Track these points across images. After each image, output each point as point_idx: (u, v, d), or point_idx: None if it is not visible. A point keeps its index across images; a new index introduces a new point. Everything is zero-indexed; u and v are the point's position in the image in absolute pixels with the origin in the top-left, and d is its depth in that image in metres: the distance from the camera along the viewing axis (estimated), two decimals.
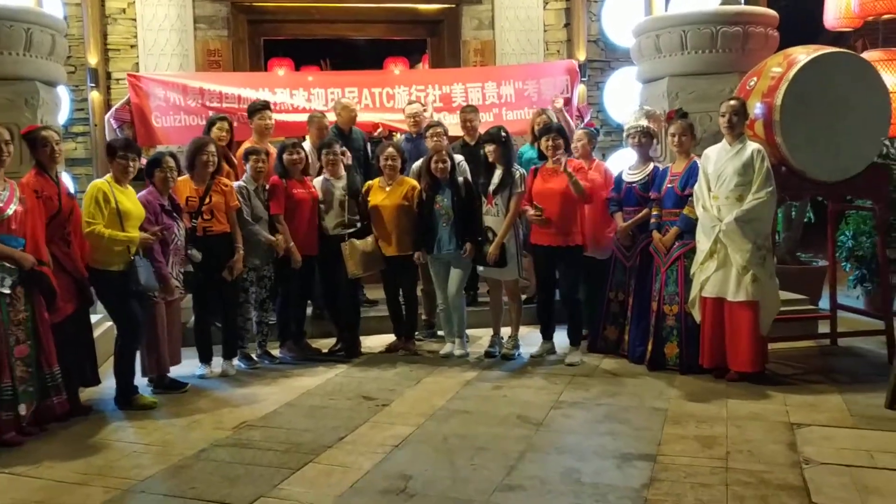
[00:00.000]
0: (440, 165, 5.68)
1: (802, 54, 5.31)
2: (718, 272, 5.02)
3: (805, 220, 8.08)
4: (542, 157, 5.74)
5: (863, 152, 5.31)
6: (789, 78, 5.15)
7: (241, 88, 6.93)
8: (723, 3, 6.26)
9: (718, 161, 5.04)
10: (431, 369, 5.56)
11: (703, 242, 5.09)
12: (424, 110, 6.72)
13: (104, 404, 4.88)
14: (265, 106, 6.27)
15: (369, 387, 5.19)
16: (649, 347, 5.41)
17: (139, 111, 6.80)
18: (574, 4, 8.24)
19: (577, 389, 5.02)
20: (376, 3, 8.17)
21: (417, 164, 6.06)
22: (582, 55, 8.13)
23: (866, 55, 6.00)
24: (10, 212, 4.25)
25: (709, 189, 5.06)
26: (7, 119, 5.03)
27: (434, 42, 8.60)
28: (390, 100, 7.17)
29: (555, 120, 6.52)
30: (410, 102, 6.82)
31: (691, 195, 5.20)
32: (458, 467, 3.78)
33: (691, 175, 5.26)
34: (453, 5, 8.26)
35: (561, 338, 5.80)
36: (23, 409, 4.25)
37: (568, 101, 7.27)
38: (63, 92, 6.54)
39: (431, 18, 8.44)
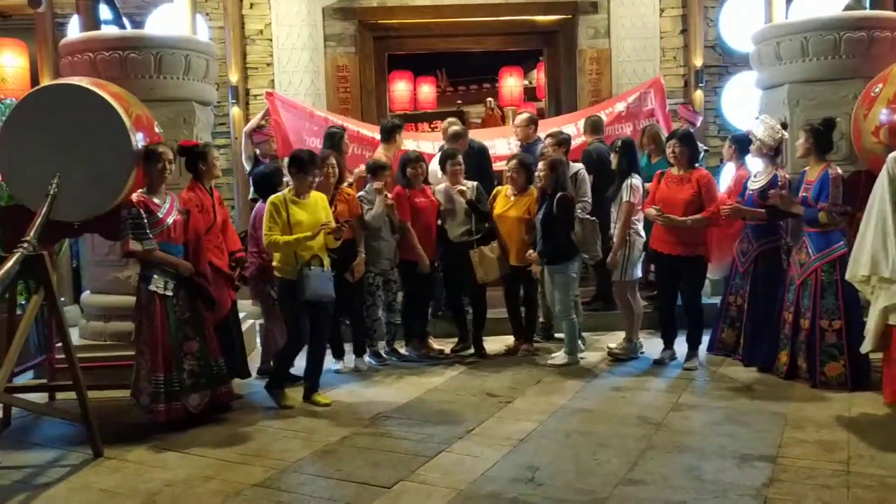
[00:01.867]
0: (539, 174, 5.89)
1: None
2: None
3: None
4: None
5: None
6: None
7: (361, 126, 7.45)
8: (846, 9, 6.21)
9: None
10: (550, 370, 5.79)
11: None
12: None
13: (252, 395, 5.38)
14: (401, 126, 6.69)
15: (492, 384, 5.48)
16: (784, 359, 5.35)
17: (276, 125, 7.32)
18: (691, 10, 8.27)
19: (695, 393, 5.16)
20: (494, 16, 8.46)
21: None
22: (699, 61, 8.17)
23: None
24: (169, 221, 4.76)
25: None
26: (167, 136, 5.58)
27: (550, 52, 8.83)
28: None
29: (664, 132, 6.72)
30: (520, 113, 7.12)
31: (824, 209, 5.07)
32: (582, 461, 4.02)
33: (824, 185, 5.12)
34: (569, 16, 8.45)
35: (680, 342, 5.91)
36: (195, 400, 4.72)
37: (651, 114, 7.50)
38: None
39: (548, 29, 8.67)
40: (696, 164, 5.80)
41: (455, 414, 4.86)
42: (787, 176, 5.57)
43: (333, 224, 5.06)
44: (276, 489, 3.79)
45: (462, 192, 6.03)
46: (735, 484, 3.66)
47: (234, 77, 8.13)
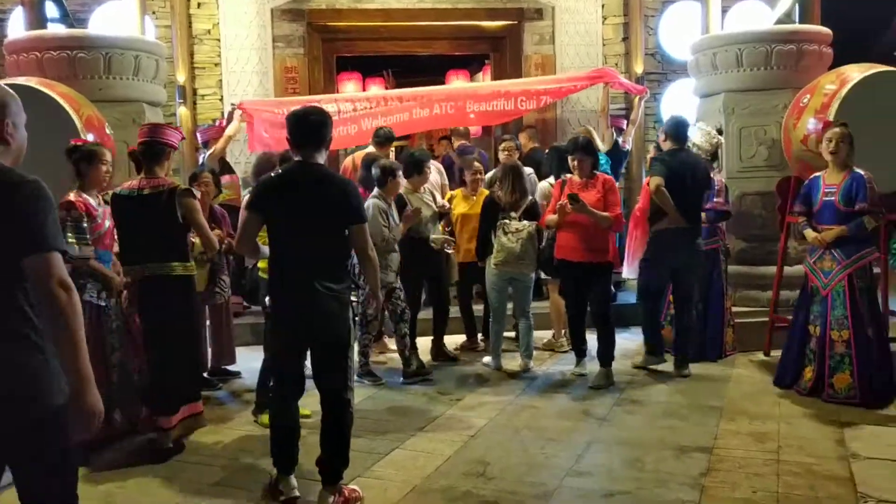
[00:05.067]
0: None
1: (856, 72, 5.58)
2: None
3: None
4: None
5: None
6: (842, 95, 5.42)
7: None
8: (777, 23, 6.55)
9: None
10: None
11: None
12: None
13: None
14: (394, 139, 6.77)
15: (442, 382, 5.61)
16: (809, 374, 5.09)
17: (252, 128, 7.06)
18: (632, 19, 8.56)
19: (637, 388, 5.39)
20: (442, 21, 8.61)
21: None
22: (640, 68, 8.45)
23: None
24: (105, 228, 4.38)
25: None
26: (117, 137, 5.59)
27: (496, 57, 9.02)
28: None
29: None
30: None
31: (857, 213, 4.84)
32: (531, 455, 4.19)
33: (858, 188, 4.84)
34: (515, 22, 8.65)
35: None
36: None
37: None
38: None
39: (494, 34, 8.86)
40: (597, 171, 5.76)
41: (407, 412, 4.98)
42: (723, 180, 5.85)
43: None
44: (233, 487, 3.85)
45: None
46: (674, 474, 3.88)
47: (181, 77, 8.08)
